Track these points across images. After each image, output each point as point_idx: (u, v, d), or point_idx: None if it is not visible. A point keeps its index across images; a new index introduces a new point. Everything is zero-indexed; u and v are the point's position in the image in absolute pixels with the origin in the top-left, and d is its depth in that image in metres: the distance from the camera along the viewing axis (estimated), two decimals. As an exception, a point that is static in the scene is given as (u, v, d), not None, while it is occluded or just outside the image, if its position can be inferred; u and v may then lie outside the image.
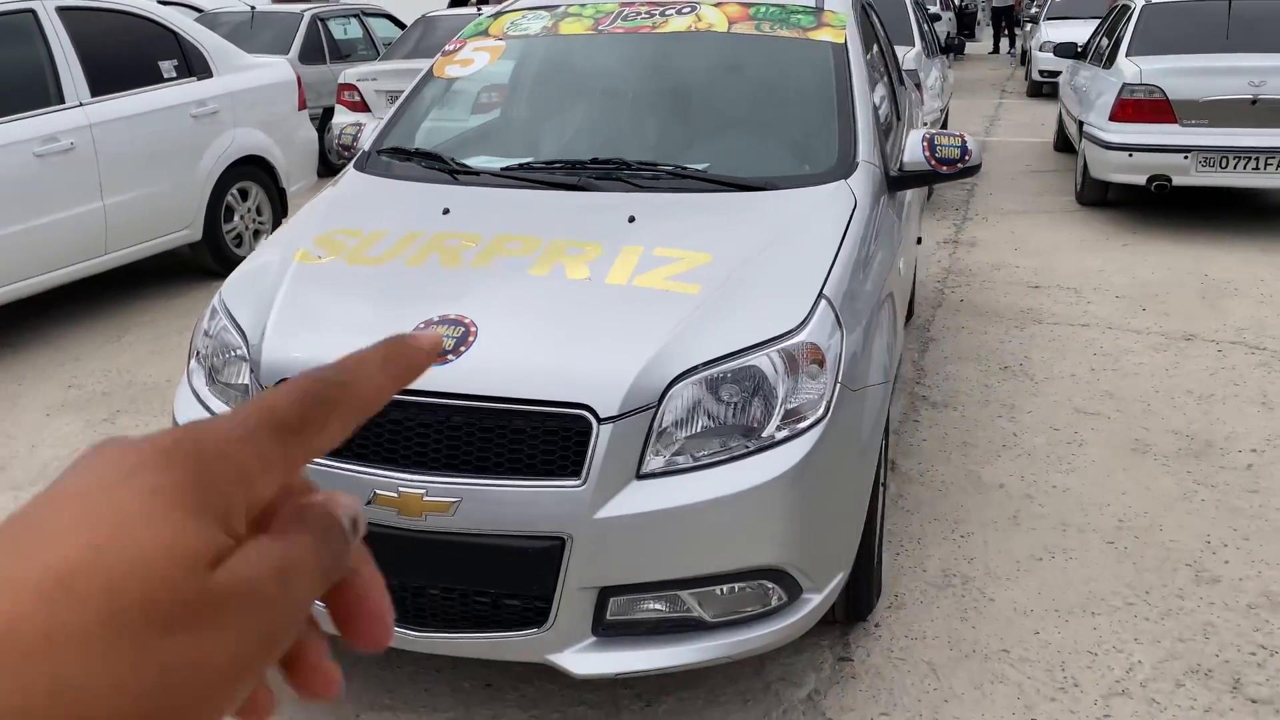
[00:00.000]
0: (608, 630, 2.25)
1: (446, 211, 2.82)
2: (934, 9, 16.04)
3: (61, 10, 5.23)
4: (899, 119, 4.20)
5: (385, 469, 2.23)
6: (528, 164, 3.05)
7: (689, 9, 3.47)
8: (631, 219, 2.70)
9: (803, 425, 2.29)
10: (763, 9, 3.46)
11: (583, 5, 3.58)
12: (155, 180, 5.55)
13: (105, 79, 5.35)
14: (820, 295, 2.43)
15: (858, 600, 2.72)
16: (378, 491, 2.23)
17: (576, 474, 2.16)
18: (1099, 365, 4.63)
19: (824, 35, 3.34)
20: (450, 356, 2.26)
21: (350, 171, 3.18)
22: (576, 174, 2.97)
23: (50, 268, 5.06)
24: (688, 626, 2.28)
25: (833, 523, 2.38)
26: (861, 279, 2.63)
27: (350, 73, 8.97)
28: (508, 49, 3.56)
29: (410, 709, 2.56)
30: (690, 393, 2.22)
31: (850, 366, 2.41)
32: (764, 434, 2.26)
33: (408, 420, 2.26)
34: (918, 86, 6.38)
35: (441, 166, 3.10)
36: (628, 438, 2.17)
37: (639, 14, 3.48)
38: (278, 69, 6.63)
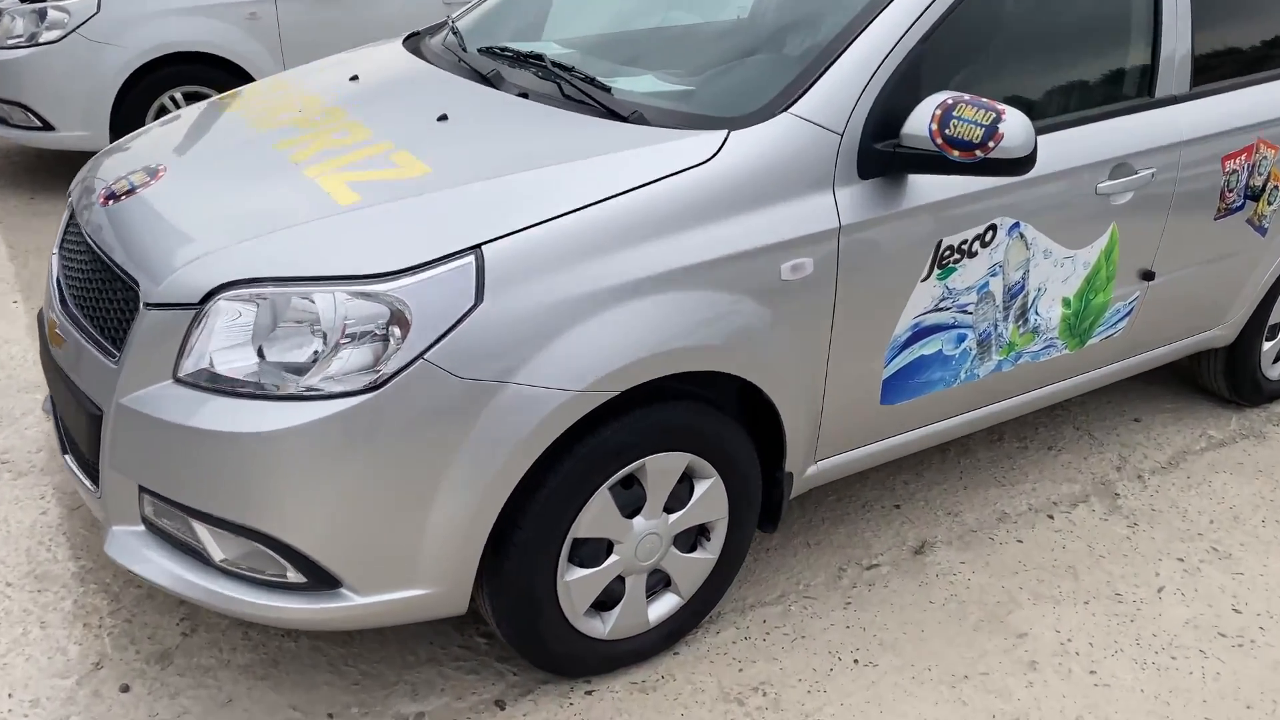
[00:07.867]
0: (151, 527, 2.09)
1: (354, 78, 2.68)
2: None
3: None
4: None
5: (58, 302, 2.30)
6: (485, 48, 2.72)
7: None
8: (443, 117, 2.31)
9: (347, 389, 1.84)
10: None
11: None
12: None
13: None
14: (474, 247, 1.88)
15: (527, 648, 2.15)
16: (49, 314, 2.31)
17: (117, 349, 2.01)
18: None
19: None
20: (113, 201, 2.21)
21: (394, 43, 3.10)
22: (496, 63, 2.59)
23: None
24: (200, 559, 2.03)
25: (374, 520, 1.89)
26: (613, 254, 1.95)
27: None
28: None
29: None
30: (236, 306, 1.90)
31: (472, 346, 1.85)
32: (303, 381, 1.87)
33: (72, 253, 2.29)
34: None
35: (453, 44, 2.91)
36: (166, 331, 1.94)
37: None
38: None
